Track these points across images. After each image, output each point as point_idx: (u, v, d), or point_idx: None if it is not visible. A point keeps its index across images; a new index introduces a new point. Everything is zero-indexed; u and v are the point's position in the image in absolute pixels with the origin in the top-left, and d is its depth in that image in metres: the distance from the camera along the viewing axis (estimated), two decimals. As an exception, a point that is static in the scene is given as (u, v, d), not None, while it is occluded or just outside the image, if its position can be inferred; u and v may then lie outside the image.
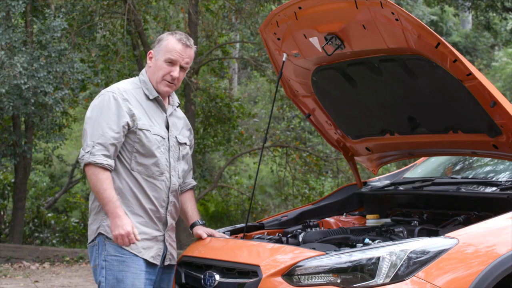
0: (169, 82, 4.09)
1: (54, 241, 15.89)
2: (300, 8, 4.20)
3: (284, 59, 4.55)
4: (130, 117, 3.97)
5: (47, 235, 15.97)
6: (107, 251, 3.95)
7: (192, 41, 4.15)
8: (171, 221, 4.13)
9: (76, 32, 12.56)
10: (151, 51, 4.15)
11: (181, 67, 4.10)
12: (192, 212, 4.36)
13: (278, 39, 4.51)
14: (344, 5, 4.02)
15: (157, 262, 4.05)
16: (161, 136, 4.06)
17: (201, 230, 4.32)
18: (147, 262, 4.01)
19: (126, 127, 3.96)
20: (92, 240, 4.03)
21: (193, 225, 4.35)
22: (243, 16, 13.47)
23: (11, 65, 10.63)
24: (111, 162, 3.93)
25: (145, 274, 3.99)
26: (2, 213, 15.40)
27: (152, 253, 4.02)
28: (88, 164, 3.91)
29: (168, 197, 4.09)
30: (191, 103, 13.58)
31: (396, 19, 3.86)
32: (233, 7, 13.51)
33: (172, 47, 4.07)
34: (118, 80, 4.16)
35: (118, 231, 3.85)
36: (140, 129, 3.99)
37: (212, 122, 15.12)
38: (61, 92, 11.38)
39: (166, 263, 4.12)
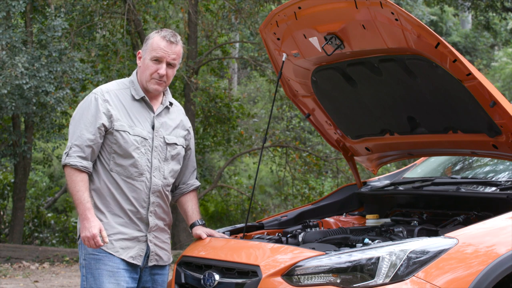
0: (157, 80, 4.09)
1: (54, 241, 15.90)
2: (299, 8, 4.20)
3: (283, 59, 4.55)
4: (107, 118, 4.00)
5: (47, 235, 15.97)
6: (86, 250, 4.01)
7: (178, 37, 4.14)
8: (155, 222, 4.11)
9: (76, 32, 12.56)
10: (139, 51, 4.17)
11: (169, 64, 4.09)
12: (193, 212, 4.35)
13: (278, 39, 4.51)
14: (344, 5, 4.02)
15: (138, 262, 4.06)
16: (142, 137, 4.06)
17: (200, 231, 4.32)
18: (127, 261, 4.02)
19: (103, 128, 3.99)
20: (78, 239, 4.09)
21: (192, 225, 4.35)
22: (242, 16, 13.47)
23: (13, 65, 10.63)
24: (86, 163, 3.97)
25: (124, 272, 4.00)
26: (2, 213, 15.40)
27: (131, 253, 4.03)
28: (65, 165, 3.99)
29: (149, 197, 4.08)
30: (191, 103, 13.58)
31: (396, 19, 3.86)
32: (232, 7, 13.51)
33: (157, 45, 4.07)
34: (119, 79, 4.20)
35: (85, 233, 3.91)
36: (117, 130, 4.01)
37: (211, 122, 15.12)
38: (62, 91, 11.38)
39: (151, 263, 4.12)
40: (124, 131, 4.02)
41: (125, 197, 4.03)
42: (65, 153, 4.00)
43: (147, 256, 4.10)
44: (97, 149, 4.00)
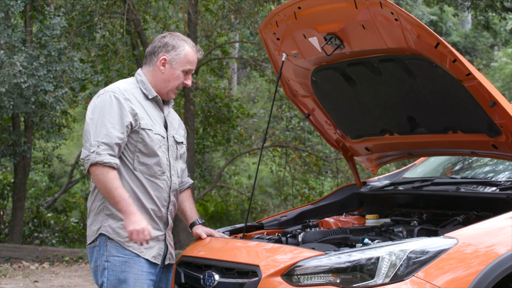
0: (178, 89, 4.16)
1: (54, 241, 15.90)
2: (299, 8, 4.20)
3: (283, 59, 4.55)
4: (132, 117, 3.95)
5: (47, 235, 15.97)
6: (109, 251, 3.94)
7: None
8: (170, 221, 4.13)
9: (76, 32, 12.56)
10: (165, 57, 4.07)
11: None
12: (191, 211, 4.35)
13: (278, 39, 4.51)
14: (344, 5, 4.02)
15: (158, 261, 4.05)
16: (161, 136, 4.06)
17: (200, 230, 4.32)
18: (149, 262, 4.00)
19: (129, 127, 3.94)
20: (93, 241, 4.01)
21: (192, 225, 4.35)
22: (242, 16, 13.47)
23: (11, 64, 10.63)
24: (117, 161, 3.90)
25: (147, 274, 3.99)
26: (1, 213, 15.40)
27: (153, 253, 4.02)
28: (94, 164, 3.86)
29: (169, 196, 4.09)
30: (191, 103, 13.58)
31: (396, 19, 3.86)
32: (232, 7, 13.51)
33: (193, 58, 4.09)
34: (118, 80, 4.14)
35: (134, 227, 3.80)
36: (143, 129, 3.98)
37: (211, 122, 15.13)
38: (61, 90, 11.38)
39: (167, 262, 4.12)
40: (149, 129, 3.99)
41: (148, 196, 4.00)
42: (93, 151, 3.86)
43: (164, 256, 4.10)
44: (122, 147, 3.95)
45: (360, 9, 3.94)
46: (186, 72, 4.10)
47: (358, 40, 4.17)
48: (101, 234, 3.96)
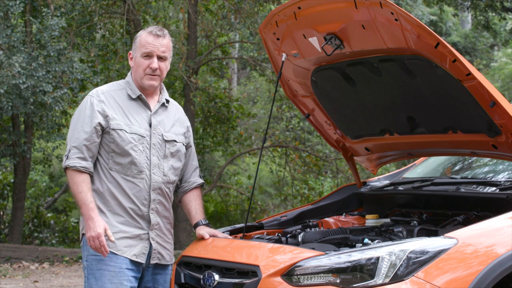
0: (151, 75, 4.13)
1: (54, 241, 15.89)
2: (299, 8, 4.21)
3: (283, 59, 4.55)
4: (103, 118, 4.04)
5: (47, 235, 15.97)
6: (88, 251, 4.02)
7: (165, 31, 4.19)
8: (156, 220, 4.13)
9: (75, 32, 12.57)
10: (130, 52, 4.22)
11: (159, 58, 4.13)
12: (196, 211, 4.34)
13: (278, 39, 4.51)
14: (344, 5, 4.02)
15: (141, 260, 4.07)
16: (139, 135, 4.09)
17: (203, 231, 4.31)
18: (130, 260, 4.03)
19: (99, 127, 4.03)
20: (81, 240, 4.11)
21: (196, 225, 4.34)
22: (242, 16, 13.47)
23: (10, 65, 10.63)
24: (86, 164, 4.01)
25: (127, 271, 4.01)
26: (1, 213, 15.40)
27: (135, 251, 4.04)
28: (66, 168, 4.04)
29: (150, 195, 4.10)
30: (191, 103, 13.59)
31: (396, 19, 3.87)
32: (232, 7, 13.52)
33: (145, 40, 4.12)
34: (117, 80, 4.24)
35: (90, 233, 3.92)
36: (114, 129, 4.05)
37: (211, 122, 15.12)
38: (60, 91, 11.38)
39: (153, 261, 4.13)
40: (120, 129, 4.05)
41: (125, 195, 4.05)
42: (65, 156, 4.05)
43: (149, 255, 4.10)
44: (95, 148, 4.04)
45: (360, 9, 3.94)
46: (146, 56, 4.12)
47: (358, 40, 4.17)
48: (83, 234, 4.05)
